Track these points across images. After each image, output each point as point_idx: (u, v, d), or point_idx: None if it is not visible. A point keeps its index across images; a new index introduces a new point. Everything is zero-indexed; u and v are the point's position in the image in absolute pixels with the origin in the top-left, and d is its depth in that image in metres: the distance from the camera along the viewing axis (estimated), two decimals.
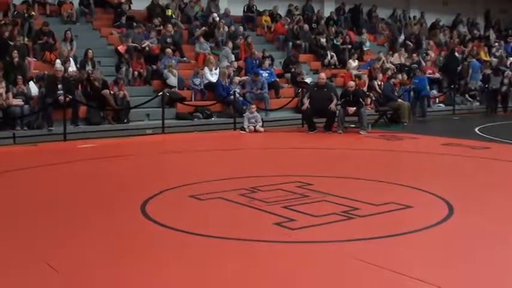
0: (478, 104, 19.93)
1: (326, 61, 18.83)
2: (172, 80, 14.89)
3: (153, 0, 18.27)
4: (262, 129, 13.74)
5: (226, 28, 18.27)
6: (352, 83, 14.18)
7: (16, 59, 13.29)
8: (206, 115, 14.52)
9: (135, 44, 15.78)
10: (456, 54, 21.32)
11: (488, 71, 20.52)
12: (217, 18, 18.59)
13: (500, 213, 5.96)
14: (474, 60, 20.95)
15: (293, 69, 17.27)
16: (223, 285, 4.02)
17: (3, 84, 12.32)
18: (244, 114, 14.00)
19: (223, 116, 14.90)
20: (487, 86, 19.72)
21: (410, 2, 25.62)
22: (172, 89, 14.72)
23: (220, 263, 4.41)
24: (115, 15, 17.64)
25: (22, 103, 12.37)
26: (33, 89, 13.09)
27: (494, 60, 22.68)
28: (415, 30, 23.06)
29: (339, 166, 9.08)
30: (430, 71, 19.63)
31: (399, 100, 15.63)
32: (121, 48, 15.46)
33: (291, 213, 5.78)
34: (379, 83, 16.81)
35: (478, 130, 13.86)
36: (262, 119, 14.02)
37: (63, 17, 17.03)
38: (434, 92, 19.07)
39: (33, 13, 16.07)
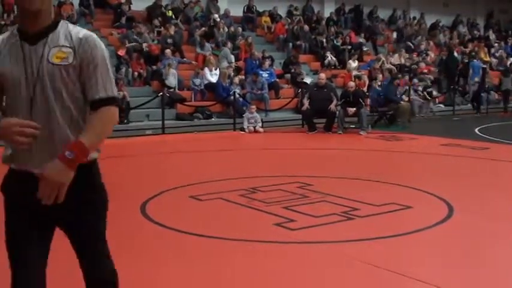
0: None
1: (326, 61, 18.83)
2: (171, 81, 14.89)
3: (156, 0, 18.29)
4: (261, 129, 13.74)
5: (226, 29, 18.28)
6: (352, 84, 14.18)
7: None
8: (206, 115, 14.52)
9: (134, 44, 15.81)
10: (455, 54, 21.33)
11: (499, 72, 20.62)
12: (218, 19, 18.59)
13: (499, 213, 5.97)
14: (474, 60, 20.94)
15: (293, 70, 17.27)
16: (223, 285, 4.03)
17: None
18: (244, 115, 13.99)
19: (223, 116, 14.90)
20: (486, 86, 19.75)
21: (411, 2, 25.63)
22: (171, 90, 14.71)
23: (220, 263, 4.41)
24: (115, 16, 17.64)
25: None
26: None
27: (494, 61, 22.69)
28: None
29: (339, 167, 9.08)
30: (426, 70, 19.65)
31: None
32: (120, 52, 15.46)
33: (291, 214, 5.78)
34: (379, 83, 16.81)
35: (478, 130, 13.86)
36: (262, 120, 14.02)
37: (63, 17, 17.01)
38: (435, 92, 19.05)
39: None
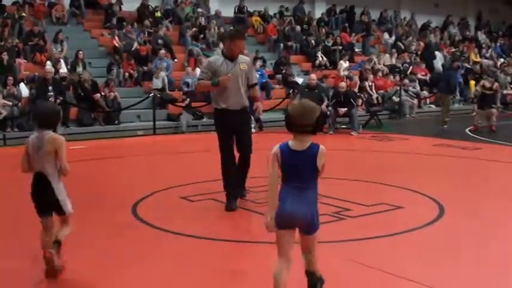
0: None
1: (317, 62, 18.84)
2: (157, 83, 14.75)
3: (143, 2, 18.27)
4: (253, 130, 13.71)
5: (216, 29, 18.27)
6: (343, 84, 14.19)
7: (6, 60, 13.23)
8: (197, 116, 14.49)
9: (124, 42, 15.79)
10: (437, 52, 21.39)
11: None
12: (203, 20, 18.58)
13: (490, 214, 5.99)
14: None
15: (284, 70, 17.28)
16: (218, 286, 4.02)
17: None
18: None
19: None
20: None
21: (401, 3, 25.67)
22: (155, 89, 14.58)
23: (213, 264, 4.41)
24: (105, 17, 17.59)
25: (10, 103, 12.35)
26: (24, 90, 13.03)
27: (485, 61, 22.75)
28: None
29: (330, 167, 8.97)
30: (423, 73, 19.73)
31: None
32: (115, 41, 15.47)
33: None
34: (370, 83, 16.84)
35: (469, 131, 13.90)
36: (254, 120, 13.97)
37: (54, 18, 16.96)
38: (425, 92, 19.10)
39: (23, 14, 16.02)
